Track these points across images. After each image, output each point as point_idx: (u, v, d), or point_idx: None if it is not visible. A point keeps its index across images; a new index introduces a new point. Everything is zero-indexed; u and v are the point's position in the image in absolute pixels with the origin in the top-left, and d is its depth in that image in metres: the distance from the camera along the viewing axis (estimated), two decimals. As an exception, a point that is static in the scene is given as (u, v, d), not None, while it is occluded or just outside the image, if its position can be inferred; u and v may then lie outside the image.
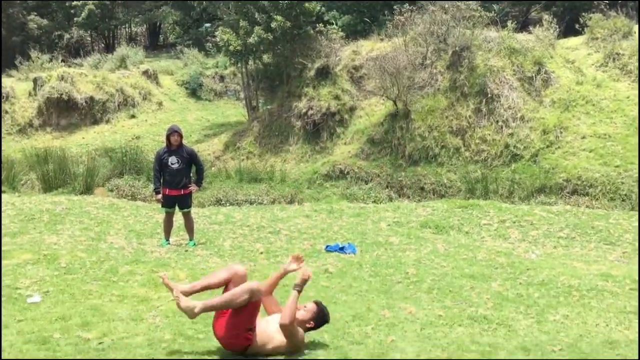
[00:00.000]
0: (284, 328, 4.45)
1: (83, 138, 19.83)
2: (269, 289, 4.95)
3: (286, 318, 4.44)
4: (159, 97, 22.82)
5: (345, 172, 15.24)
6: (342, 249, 8.52)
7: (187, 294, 4.56)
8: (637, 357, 3.49)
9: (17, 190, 15.36)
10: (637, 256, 8.60)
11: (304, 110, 17.24)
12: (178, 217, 9.10)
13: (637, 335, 5.32)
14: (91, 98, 20.96)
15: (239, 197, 14.05)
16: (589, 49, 16.64)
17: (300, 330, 4.60)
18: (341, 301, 6.18)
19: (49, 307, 5.61)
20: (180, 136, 8.68)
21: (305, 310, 4.73)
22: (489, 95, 15.35)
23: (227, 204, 13.58)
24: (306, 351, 4.71)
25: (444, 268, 7.67)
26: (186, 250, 8.33)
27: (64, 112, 20.70)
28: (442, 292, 6.62)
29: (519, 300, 6.41)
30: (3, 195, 12.95)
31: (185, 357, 4.51)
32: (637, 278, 7.04)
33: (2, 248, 7.67)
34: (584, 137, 14.12)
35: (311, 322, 4.73)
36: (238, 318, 4.44)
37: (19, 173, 16.19)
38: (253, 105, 20.33)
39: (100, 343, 4.69)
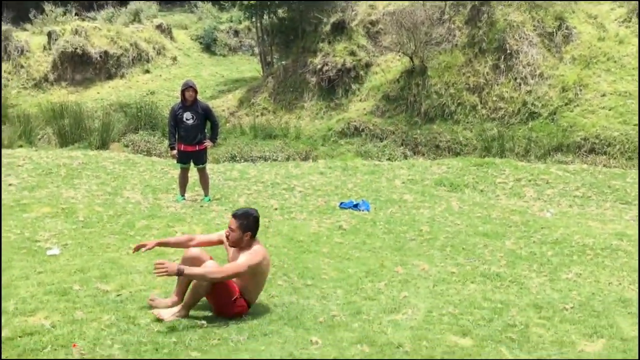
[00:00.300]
0: (236, 275, 4.38)
1: (98, 93, 19.84)
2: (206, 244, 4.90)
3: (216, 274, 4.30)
4: (173, 51, 22.66)
5: (360, 129, 15.15)
6: (356, 206, 8.55)
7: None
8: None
9: (34, 144, 15.50)
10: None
11: (319, 66, 17.05)
12: (193, 173, 9.15)
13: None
14: (105, 52, 20.87)
15: (253, 154, 14.08)
16: (612, 3, 16.16)
17: (245, 258, 4.42)
18: (354, 257, 6.23)
19: (67, 259, 5.72)
20: (195, 92, 8.65)
21: (230, 231, 4.54)
22: (508, 52, 15.05)
23: (242, 161, 13.62)
24: (317, 304, 4.78)
25: (457, 226, 7.68)
26: (201, 206, 8.40)
27: (79, 66, 20.66)
28: (456, 249, 6.65)
29: (532, 258, 6.43)
30: (21, 150, 13.08)
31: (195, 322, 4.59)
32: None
33: (22, 201, 7.79)
34: (603, 95, 13.85)
35: (247, 235, 4.55)
36: (216, 298, 4.45)
37: (35, 127, 16.31)
38: (268, 61, 20.13)
39: (118, 295, 4.79)
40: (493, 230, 7.48)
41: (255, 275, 4.51)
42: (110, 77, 20.80)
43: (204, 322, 4.35)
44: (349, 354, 3.89)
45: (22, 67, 20.19)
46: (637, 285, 5.66)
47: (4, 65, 19.92)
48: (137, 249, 4.81)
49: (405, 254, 6.43)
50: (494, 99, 14.79)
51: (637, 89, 13.68)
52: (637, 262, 6.32)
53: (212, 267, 4.33)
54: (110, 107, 17.76)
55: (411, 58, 15.89)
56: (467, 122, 14.67)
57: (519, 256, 6.47)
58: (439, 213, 8.37)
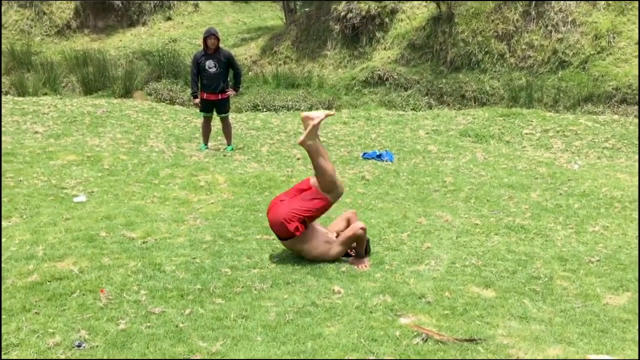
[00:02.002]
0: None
1: (120, 41, 19.74)
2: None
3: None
4: (195, -2, 22.32)
5: (384, 79, 14.89)
6: (379, 157, 8.48)
7: None
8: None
9: (59, 92, 15.58)
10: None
11: (343, 13, 16.66)
12: (216, 122, 9.13)
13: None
14: (127, -1, 20.65)
15: (276, 103, 13.97)
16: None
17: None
18: (377, 208, 6.22)
19: (94, 206, 5.80)
20: (217, 39, 8.54)
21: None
22: (539, -2, 14.50)
23: (264, 110, 13.55)
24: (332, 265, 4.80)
25: (482, 177, 7.59)
26: (224, 155, 8.41)
27: (101, 13, 20.51)
28: (480, 201, 6.59)
29: (558, 210, 6.34)
30: (46, 97, 13.16)
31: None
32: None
33: (48, 149, 7.87)
34: (637, 43, 13.34)
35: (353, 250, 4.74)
36: (309, 201, 4.57)
37: (59, 75, 16.35)
38: (290, 8, 19.73)
39: (144, 242, 4.86)
40: (518, 182, 7.38)
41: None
42: (132, 24, 20.64)
43: (228, 269, 4.40)
44: (370, 304, 3.91)
45: (44, 14, 20.11)
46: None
47: (27, 12, 19.86)
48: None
49: (428, 205, 6.39)
50: (523, 47, 14.36)
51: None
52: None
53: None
54: (133, 55, 17.68)
55: (438, 4, 15.43)
56: (495, 71, 14.31)
57: (544, 208, 6.39)
58: (464, 164, 8.27)
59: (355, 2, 16.61)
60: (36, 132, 9.13)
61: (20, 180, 6.54)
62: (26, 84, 15.37)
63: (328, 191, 4.65)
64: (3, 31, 19.29)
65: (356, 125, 10.85)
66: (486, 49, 14.57)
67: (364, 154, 8.66)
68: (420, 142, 9.56)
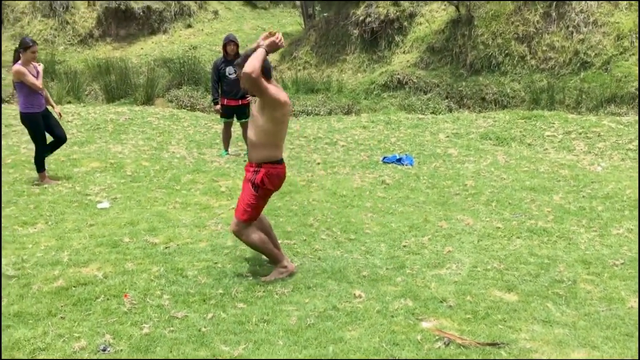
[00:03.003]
0: (247, 76, 4.02)
1: (142, 49, 19.98)
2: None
3: (248, 67, 4.03)
4: (215, 5, 22.52)
5: (404, 82, 14.85)
6: (399, 161, 8.47)
7: None
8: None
9: (82, 100, 15.82)
10: None
11: (362, 18, 16.67)
12: (236, 128, 9.20)
13: None
14: (148, 7, 20.90)
15: (296, 108, 14.01)
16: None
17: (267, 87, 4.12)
18: (398, 212, 6.21)
19: (117, 212, 5.88)
20: (237, 46, 8.61)
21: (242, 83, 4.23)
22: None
23: (284, 115, 13.59)
24: (360, 258, 4.80)
25: (503, 180, 7.53)
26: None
27: (123, 22, 20.79)
28: (501, 204, 6.54)
29: (582, 213, 6.27)
30: (70, 105, 13.37)
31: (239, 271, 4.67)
32: None
33: (72, 156, 8.01)
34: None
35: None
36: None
37: (82, 84, 16.60)
38: (309, 13, 19.81)
39: (166, 247, 4.92)
40: (541, 184, 7.31)
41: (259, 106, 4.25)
42: (153, 32, 20.88)
43: (249, 274, 4.43)
44: (392, 308, 3.91)
45: (67, 23, 20.44)
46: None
47: (50, 22, 20.21)
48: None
49: (449, 209, 6.36)
50: (544, 48, 14.22)
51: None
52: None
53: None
54: (154, 62, 17.88)
55: (457, 7, 15.37)
56: (515, 74, 14.19)
57: (567, 211, 6.32)
58: (485, 167, 8.21)
59: (374, 7, 16.62)
60: (60, 140, 9.28)
61: (46, 187, 6.66)
62: (51, 92, 15.63)
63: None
64: (28, 41, 19.67)
65: (376, 130, 10.84)
66: (506, 51, 14.46)
67: (384, 158, 8.65)
68: (440, 146, 9.52)
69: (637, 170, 7.83)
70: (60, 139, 7.15)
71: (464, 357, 3.30)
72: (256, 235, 4.34)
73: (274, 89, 4.20)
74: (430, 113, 13.12)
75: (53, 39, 19.85)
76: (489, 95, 13.95)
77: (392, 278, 4.45)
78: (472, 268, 4.69)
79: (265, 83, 4.13)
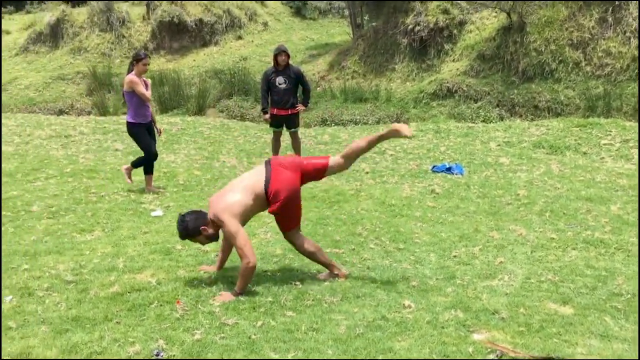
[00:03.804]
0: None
1: (194, 60, 20.45)
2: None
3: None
4: (264, 17, 22.87)
5: (453, 91, 14.69)
6: (449, 170, 8.37)
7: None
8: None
9: (137, 111, 16.30)
10: None
11: (411, 27, 16.61)
12: (285, 137, 9.29)
13: None
14: (200, 20, 21.40)
15: (344, 117, 14.06)
16: None
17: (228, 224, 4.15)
18: (448, 222, 6.13)
19: (170, 220, 6.02)
20: (288, 56, 8.71)
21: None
22: (617, 2, 13.94)
23: (333, 124, 13.65)
24: (410, 268, 4.74)
25: (557, 190, 7.34)
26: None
27: (176, 35, 21.35)
28: (556, 214, 6.37)
29: (641, 224, 6.03)
30: (124, 117, 13.80)
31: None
32: None
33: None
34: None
35: (202, 232, 4.28)
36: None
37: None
38: (358, 23, 19.86)
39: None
40: (597, 194, 7.09)
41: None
42: (205, 44, 21.35)
43: (298, 283, 4.45)
44: (442, 319, 3.85)
45: (123, 37, 21.14)
46: None
47: (107, 36, 20.93)
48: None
49: (500, 219, 6.24)
50: (600, 54, 13.81)
51: None
52: None
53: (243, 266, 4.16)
54: (206, 74, 18.27)
55: (508, 14, 15.11)
56: (570, 81, 13.83)
57: (625, 222, 6.10)
58: (538, 176, 8.02)
59: (423, 15, 16.53)
60: (116, 150, 9.58)
61: (102, 196, 6.89)
62: (107, 104, 16.18)
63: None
64: (86, 54, 20.41)
65: (425, 139, 10.75)
66: (560, 58, 14.12)
67: (434, 167, 8.57)
68: (491, 155, 9.36)
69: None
70: (144, 153, 7.33)
71: (517, 371, 3.22)
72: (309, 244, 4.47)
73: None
74: (481, 121, 12.92)
75: (110, 52, 20.55)
76: (542, 102, 13.64)
77: (442, 288, 4.39)
78: (525, 280, 4.58)
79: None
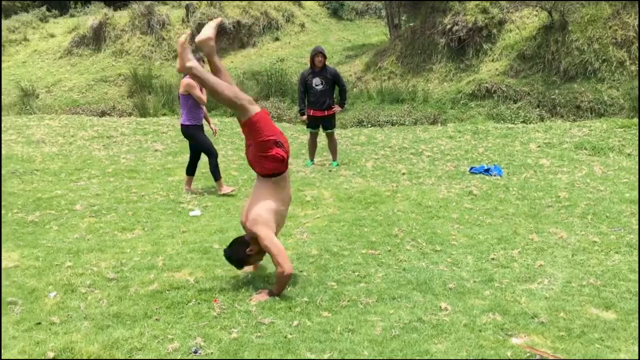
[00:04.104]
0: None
1: (232, 62, 20.68)
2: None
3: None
4: (301, 18, 22.96)
5: (492, 91, 14.49)
6: (487, 171, 8.25)
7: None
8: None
9: (176, 112, 16.57)
10: None
11: (449, 26, 16.45)
12: (322, 138, 9.31)
13: None
14: (238, 22, 21.62)
15: (380, 118, 14.01)
16: None
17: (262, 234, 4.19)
18: (485, 224, 6.04)
19: (208, 220, 6.10)
20: (324, 57, 8.73)
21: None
22: (663, 0, 13.53)
23: (369, 125, 13.62)
24: (447, 270, 4.70)
25: (600, 192, 7.16)
26: (330, 170, 8.54)
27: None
28: (598, 217, 6.22)
29: (688, 228, 5.84)
30: (165, 117, 14.05)
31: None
32: None
33: (167, 166, 8.39)
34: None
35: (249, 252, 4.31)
36: (252, 133, 4.31)
37: (176, 97, 17.39)
38: (395, 23, 19.77)
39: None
40: (642, 197, 6.88)
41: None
42: (242, 46, 21.57)
43: (334, 283, 4.46)
44: (479, 322, 3.81)
45: (163, 39, 21.51)
46: None
47: (148, 38, 21.34)
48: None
49: (540, 221, 6.12)
50: (645, 53, 13.43)
51: None
52: None
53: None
54: (243, 75, 18.45)
55: (550, 12, 14.82)
56: (613, 80, 13.48)
57: (672, 226, 5.91)
58: (579, 178, 7.84)
59: (461, 15, 16.35)
60: (156, 150, 9.76)
61: (143, 195, 7.03)
62: (147, 105, 16.50)
63: (241, 114, 4.33)
64: (127, 57, 20.86)
65: (462, 139, 10.63)
66: (603, 57, 13.77)
67: (471, 168, 8.46)
68: (531, 156, 9.19)
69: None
70: (198, 157, 7.42)
71: (557, 377, 3.15)
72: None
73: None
74: (521, 122, 12.70)
75: (150, 55, 20.94)
76: (584, 103, 13.33)
77: (479, 291, 4.33)
78: (566, 283, 4.48)
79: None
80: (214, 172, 7.27)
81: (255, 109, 4.38)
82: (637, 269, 4.66)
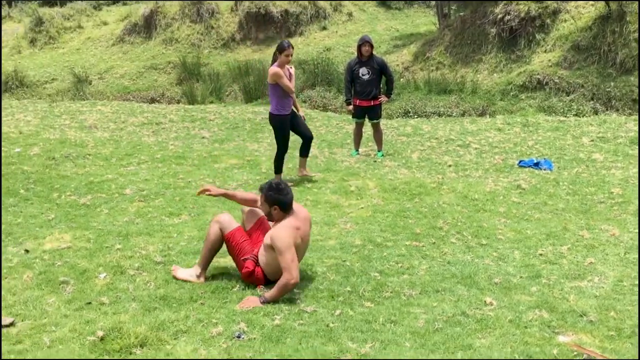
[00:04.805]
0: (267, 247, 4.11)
1: (279, 51, 20.78)
2: (243, 203, 4.62)
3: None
4: (349, 7, 22.83)
5: (544, 83, 14.10)
6: (537, 165, 8.05)
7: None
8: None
9: (223, 100, 16.77)
10: None
11: (500, 16, 16.06)
12: (367, 128, 9.26)
13: None
14: (285, 11, 21.67)
15: (427, 109, 13.83)
16: None
17: (280, 234, 4.06)
18: (534, 219, 5.91)
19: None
20: (371, 47, 8.66)
21: (260, 205, 4.31)
22: None
23: (415, 116, 13.47)
24: (492, 264, 4.62)
25: (656, 189, 6.89)
26: (375, 161, 8.50)
27: (262, 26, 21.73)
28: (653, 215, 5.99)
29: None
30: (212, 105, 14.23)
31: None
32: None
33: (213, 153, 8.51)
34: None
35: (275, 208, 4.21)
36: (231, 251, 4.31)
37: (224, 85, 17.61)
38: (444, 13, 19.44)
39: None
40: (701, 195, 6.60)
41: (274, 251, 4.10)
42: (290, 35, 21.60)
43: (377, 274, 4.44)
44: (525, 318, 3.73)
45: (212, 28, 21.75)
46: None
47: (197, 27, 21.62)
48: (202, 192, 4.67)
49: (592, 218, 5.94)
50: None
51: None
52: None
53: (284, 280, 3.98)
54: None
55: (607, 2, 14.30)
56: (673, 73, 12.93)
57: None
58: (634, 174, 7.57)
59: (513, 4, 15.94)
60: (203, 137, 9.90)
61: (190, 181, 7.15)
62: (195, 93, 16.74)
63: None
64: (177, 45, 21.20)
65: (511, 132, 10.39)
66: (663, 49, 13.22)
67: (520, 161, 8.27)
68: (583, 150, 8.92)
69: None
70: (306, 137, 7.33)
71: (606, 377, 3.07)
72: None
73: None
74: (573, 115, 12.33)
75: (199, 43, 21.22)
76: (641, 96, 12.83)
77: (526, 287, 4.25)
78: (617, 282, 4.35)
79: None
80: (277, 164, 7.19)
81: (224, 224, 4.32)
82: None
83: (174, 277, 4.30)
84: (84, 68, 19.87)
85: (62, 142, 8.82)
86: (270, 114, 7.18)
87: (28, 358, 3.02)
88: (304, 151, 7.35)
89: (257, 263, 4.21)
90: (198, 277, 4.29)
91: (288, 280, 3.93)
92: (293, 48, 7.17)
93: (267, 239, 4.13)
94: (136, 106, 13.19)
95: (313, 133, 9.99)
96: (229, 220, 4.35)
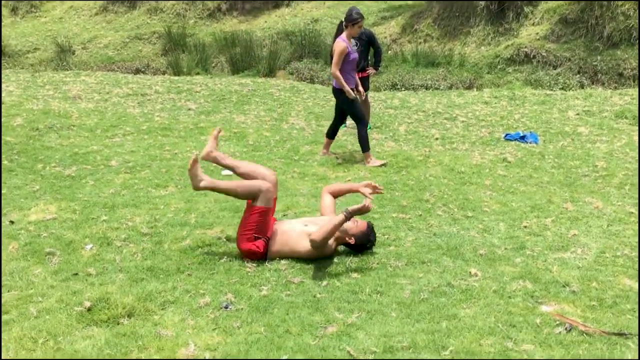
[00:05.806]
0: (313, 243, 4.06)
1: (265, 22, 20.49)
2: (334, 192, 4.68)
3: (319, 235, 4.03)
4: (337, -22, 22.53)
5: (531, 56, 14.09)
6: (523, 138, 8.10)
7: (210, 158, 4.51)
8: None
9: (209, 71, 16.58)
10: None
11: (489, -12, 15.94)
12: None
13: None
14: (274, -19, 21.34)
15: (415, 82, 13.79)
16: None
17: (332, 244, 4.18)
18: (519, 191, 5.96)
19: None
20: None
21: (355, 225, 4.23)
22: None
23: (403, 89, 13.43)
24: (478, 236, 4.68)
25: (639, 163, 6.97)
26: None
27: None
28: (636, 188, 6.07)
29: None
30: (198, 77, 14.08)
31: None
32: None
33: (199, 125, 8.45)
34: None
35: (352, 238, 4.22)
36: (246, 219, 4.22)
37: (210, 56, 17.39)
38: (433, -16, 19.26)
39: (284, 215, 5.09)
40: (683, 169, 6.69)
41: (311, 248, 4.16)
42: (277, 6, 21.31)
43: (363, 245, 4.47)
44: (509, 289, 3.79)
45: (198, -2, 21.38)
46: None
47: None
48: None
49: (576, 190, 6.01)
50: (695, 19, 12.85)
51: None
52: None
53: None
54: (277, 35, 18.30)
55: (595, -25, 14.24)
56: (659, 47, 12.97)
57: None
58: (619, 148, 7.65)
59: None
60: (189, 109, 9.81)
61: (176, 153, 7.10)
62: (181, 64, 16.53)
63: (253, 199, 4.23)
64: (162, 15, 20.84)
65: (498, 105, 10.42)
66: (650, 23, 13.23)
67: (507, 135, 8.31)
68: (569, 124, 8.98)
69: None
70: (339, 121, 7.15)
71: (587, 345, 3.13)
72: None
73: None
74: (560, 89, 12.37)
75: (184, 13, 20.87)
76: (627, 70, 12.90)
77: (510, 258, 4.30)
78: (600, 254, 4.42)
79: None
80: (362, 142, 6.83)
81: (267, 195, 4.22)
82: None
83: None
84: (66, 37, 19.51)
85: (45, 113, 8.70)
86: (333, 88, 6.91)
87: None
88: (332, 132, 7.21)
89: (266, 244, 4.19)
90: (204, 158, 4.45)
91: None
92: (364, 18, 6.70)
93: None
94: (121, 77, 13.01)
95: (300, 106, 9.84)
96: (273, 193, 4.26)
